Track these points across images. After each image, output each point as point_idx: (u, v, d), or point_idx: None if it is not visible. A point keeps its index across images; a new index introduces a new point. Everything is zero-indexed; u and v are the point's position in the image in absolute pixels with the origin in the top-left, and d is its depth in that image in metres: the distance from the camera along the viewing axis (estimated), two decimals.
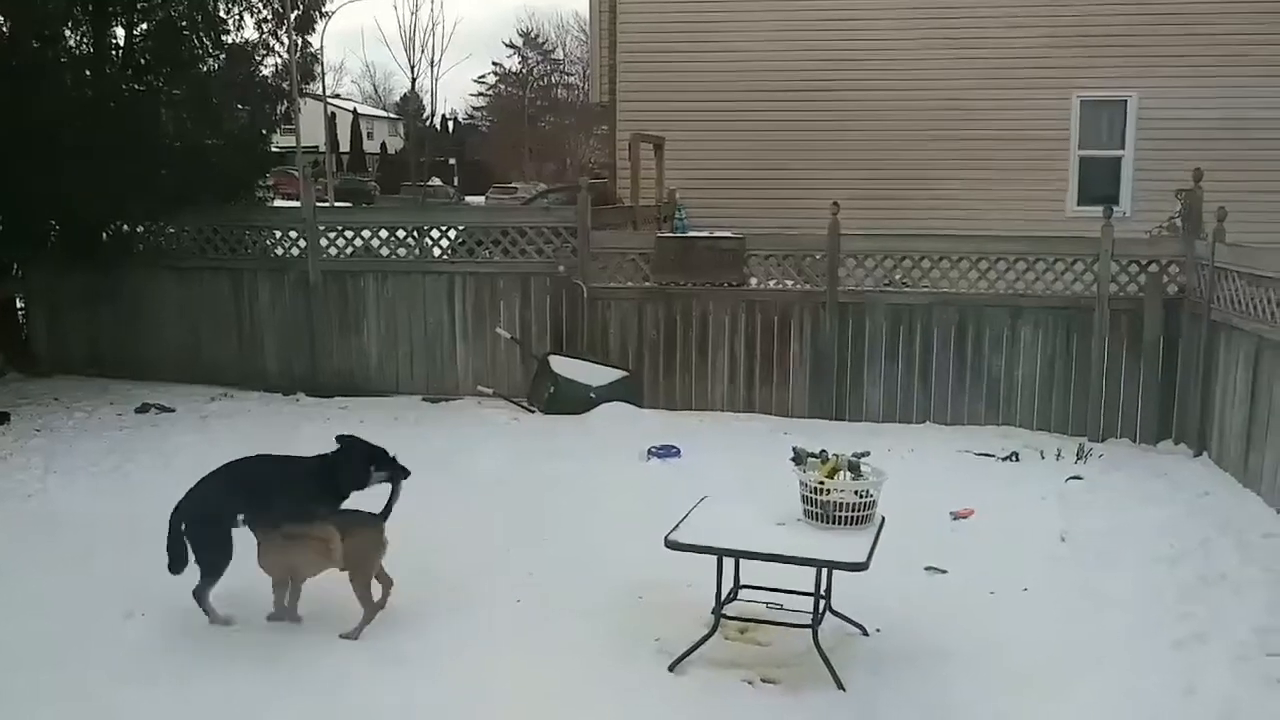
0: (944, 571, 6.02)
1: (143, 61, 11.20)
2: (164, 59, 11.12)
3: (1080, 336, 9.17)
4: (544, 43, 69.90)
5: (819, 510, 4.83)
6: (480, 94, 75.33)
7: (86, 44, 10.94)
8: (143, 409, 9.73)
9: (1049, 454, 8.52)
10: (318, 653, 4.92)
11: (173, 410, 9.72)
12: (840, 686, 4.62)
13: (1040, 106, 15.69)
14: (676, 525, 4.84)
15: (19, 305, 11.61)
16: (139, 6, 11.20)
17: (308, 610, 5.22)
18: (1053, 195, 15.75)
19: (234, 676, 4.69)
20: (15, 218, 10.49)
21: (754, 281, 9.92)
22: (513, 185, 48.99)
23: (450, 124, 75.67)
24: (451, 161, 64.53)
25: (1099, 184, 15.69)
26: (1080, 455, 8.46)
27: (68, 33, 10.68)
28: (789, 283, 9.89)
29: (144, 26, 11.30)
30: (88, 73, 10.94)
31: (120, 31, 11.20)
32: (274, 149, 13.92)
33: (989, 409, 9.40)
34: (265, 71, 12.38)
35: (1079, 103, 15.91)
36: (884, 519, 4.93)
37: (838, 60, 15.98)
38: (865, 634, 5.16)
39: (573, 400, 9.50)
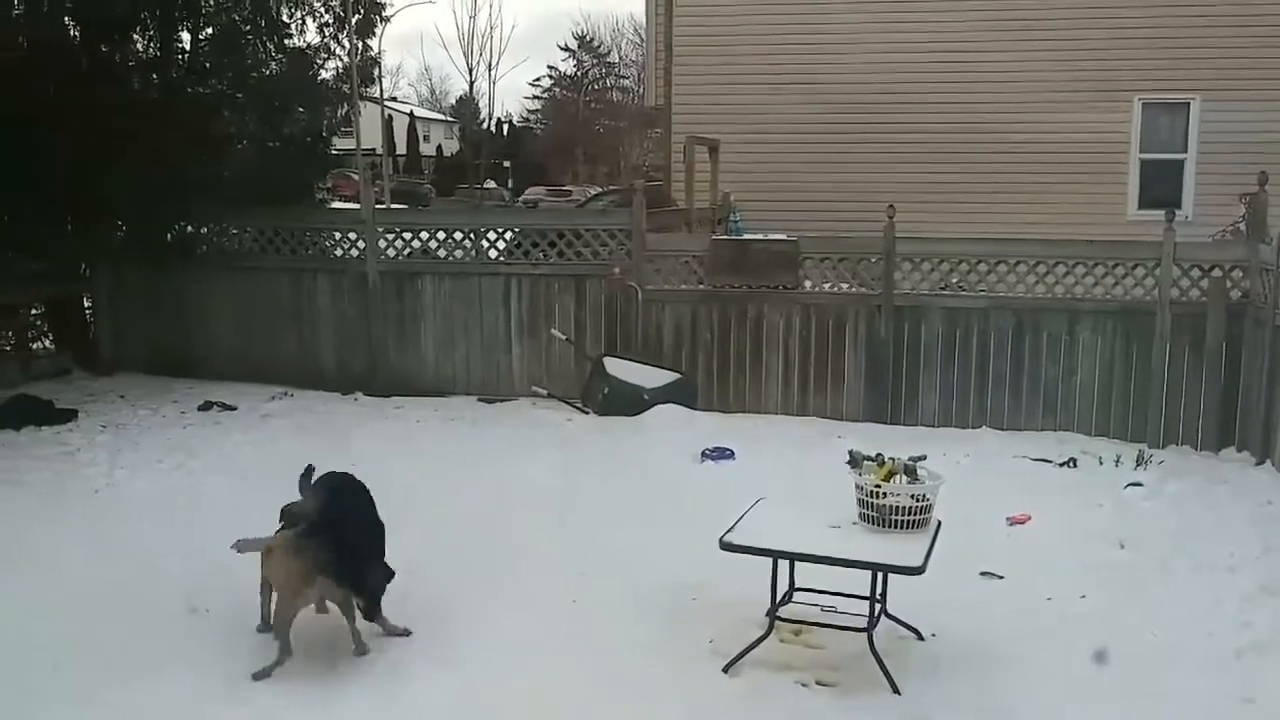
0: (1000, 577, 5.98)
1: (207, 65, 11.42)
2: (227, 63, 11.32)
3: (1140, 342, 9.05)
4: (599, 46, 70.05)
5: (875, 514, 4.83)
6: (535, 97, 75.68)
7: (153, 48, 11.18)
8: (205, 406, 9.91)
9: (1107, 460, 8.41)
10: (372, 653, 4.97)
11: (234, 408, 9.88)
12: (895, 690, 4.61)
13: (1102, 109, 15.54)
14: (731, 527, 4.86)
15: (86, 305, 11.86)
16: (204, 11, 11.42)
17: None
18: (1113, 199, 15.58)
19: (292, 676, 4.76)
20: (83, 219, 10.74)
21: (809, 284, 9.91)
22: (567, 188, 49.14)
23: (505, 127, 76.09)
24: (506, 164, 64.83)
25: (1160, 188, 15.50)
26: (1140, 462, 8.34)
27: (135, 37, 10.91)
28: (844, 286, 9.86)
29: (208, 31, 11.52)
30: (154, 76, 11.18)
31: (186, 36, 11.42)
32: (333, 151, 14.11)
33: (1046, 414, 9.30)
34: (325, 75, 12.59)
35: (1141, 106, 15.74)
36: (940, 523, 4.91)
37: (895, 62, 15.92)
38: (920, 638, 5.14)
39: (626, 402, 9.54)
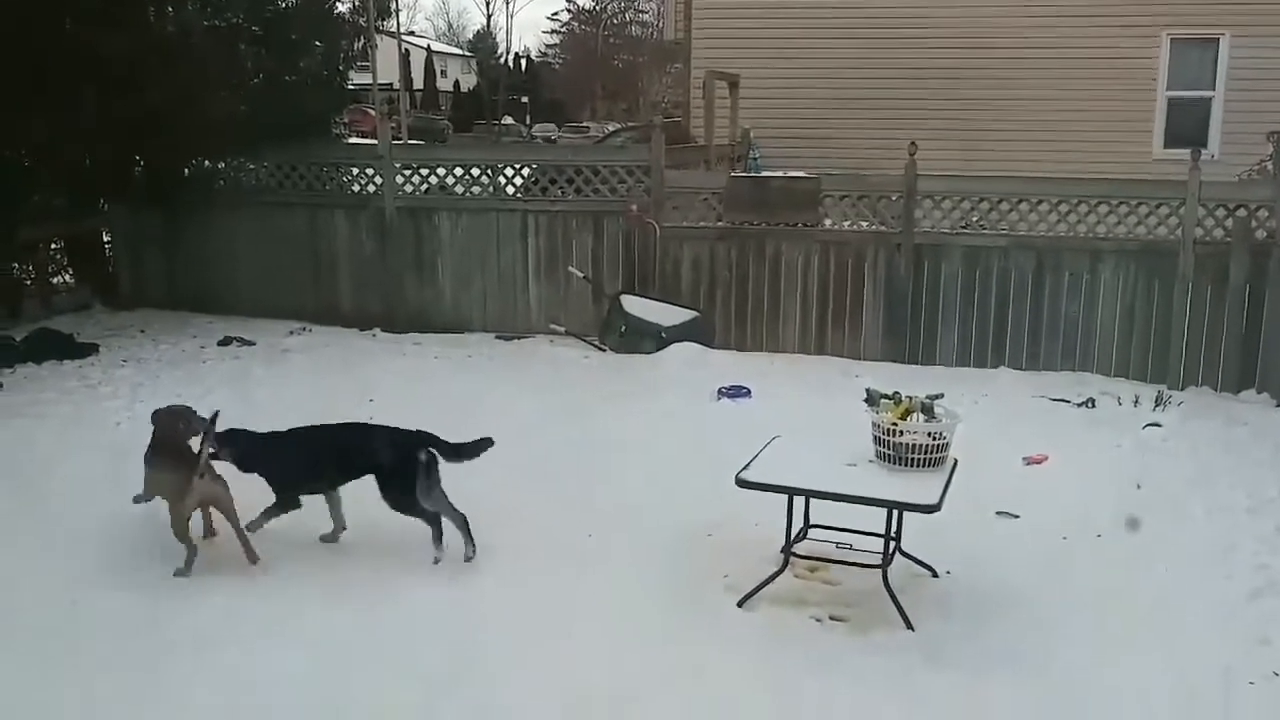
0: (1016, 516, 5.99)
1: None
2: None
3: (1162, 282, 8.97)
4: None
5: (891, 452, 4.82)
6: (553, 32, 74.96)
7: None
8: (224, 342, 9.95)
9: (1126, 401, 8.38)
10: (394, 588, 5.02)
11: (253, 343, 9.92)
12: (909, 626, 4.64)
13: (1128, 44, 15.30)
14: (747, 464, 4.86)
15: (105, 240, 11.88)
16: None
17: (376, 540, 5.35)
18: (1139, 137, 15.37)
19: (307, 607, 4.83)
20: (100, 154, 10.71)
21: (828, 223, 9.84)
22: (585, 124, 48.82)
23: (523, 62, 75.45)
24: (524, 100, 64.39)
25: (1187, 126, 15.29)
26: (1159, 402, 8.31)
27: None
28: (864, 224, 9.79)
29: None
30: (169, 9, 11.07)
31: None
32: (350, 86, 14.01)
33: (1065, 355, 9.26)
34: (341, 8, 12.48)
35: (1169, 41, 15.46)
36: (956, 462, 4.91)
37: None
38: (935, 576, 5.17)
39: (643, 339, 9.55)
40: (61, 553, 5.32)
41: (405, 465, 5.26)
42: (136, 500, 5.49)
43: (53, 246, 11.74)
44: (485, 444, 5.33)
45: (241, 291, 11.18)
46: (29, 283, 11.35)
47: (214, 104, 10.08)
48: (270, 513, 5.38)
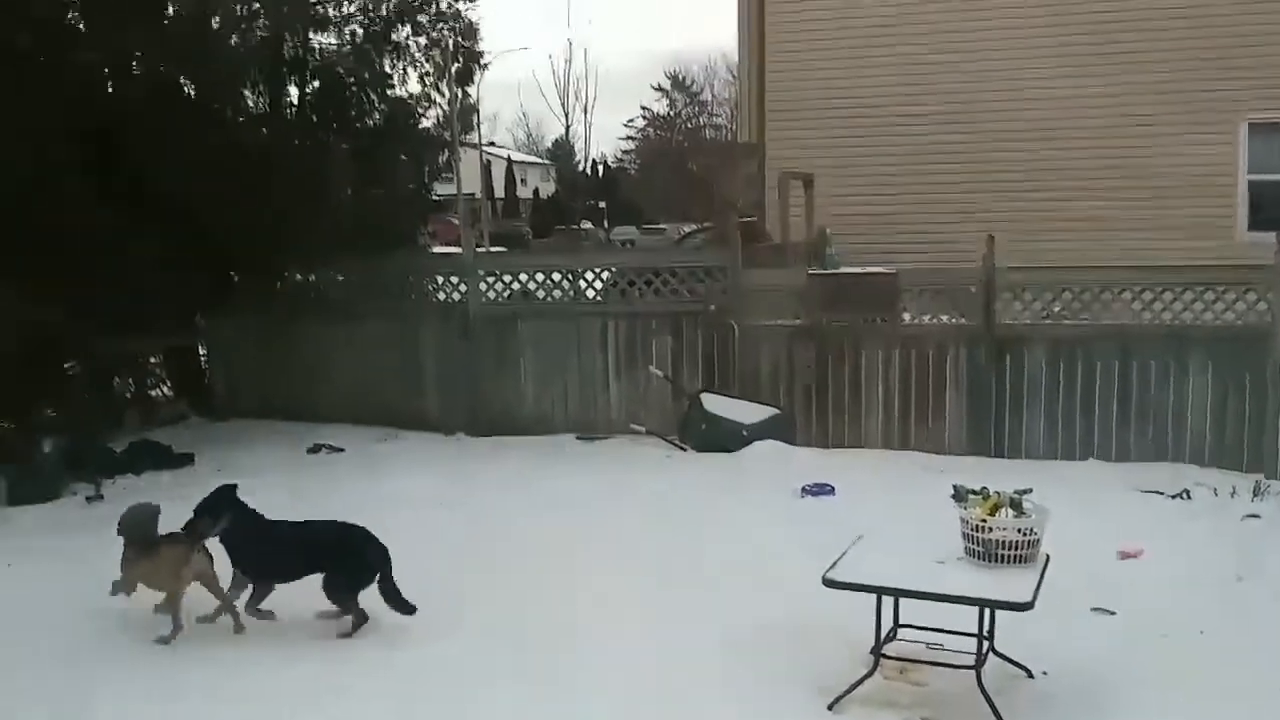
0: (1112, 613, 5.82)
1: (313, 117, 11.82)
2: (333, 114, 11.70)
3: (1254, 368, 8.76)
4: (691, 85, 70.48)
5: (981, 549, 4.76)
6: (629, 137, 76.41)
7: (262, 101, 11.61)
8: (314, 449, 10.17)
9: (1222, 491, 8.15)
10: (473, 682, 5.04)
11: (342, 450, 10.13)
12: None
13: (1206, 131, 15.15)
14: (834, 563, 4.83)
15: (201, 353, 12.29)
16: (310, 65, 11.82)
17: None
18: (1221, 221, 15.14)
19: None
20: (197, 268, 11.14)
21: (907, 317, 9.83)
22: (661, 225, 49.42)
23: (600, 168, 76.92)
24: (602, 204, 65.48)
25: (1271, 208, 15.02)
26: (1257, 493, 8.07)
27: (244, 91, 11.35)
28: (944, 317, 9.76)
29: (315, 84, 11.92)
30: (263, 129, 11.60)
31: (293, 89, 11.84)
32: (434, 197, 14.46)
33: (1157, 445, 9.05)
34: (426, 122, 12.93)
35: (1247, 127, 15.31)
36: (1048, 557, 4.82)
37: (991, 87, 15.78)
38: (1030, 676, 5.03)
39: (725, 438, 9.54)
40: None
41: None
42: (114, 592, 5.80)
43: (152, 360, 12.17)
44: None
45: (331, 400, 11.43)
46: (129, 395, 11.76)
47: (305, 217, 10.47)
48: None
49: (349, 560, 5.73)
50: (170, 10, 10.91)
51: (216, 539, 5.78)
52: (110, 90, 10.48)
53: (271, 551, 5.87)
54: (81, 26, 10.51)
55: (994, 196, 15.23)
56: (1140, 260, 11.03)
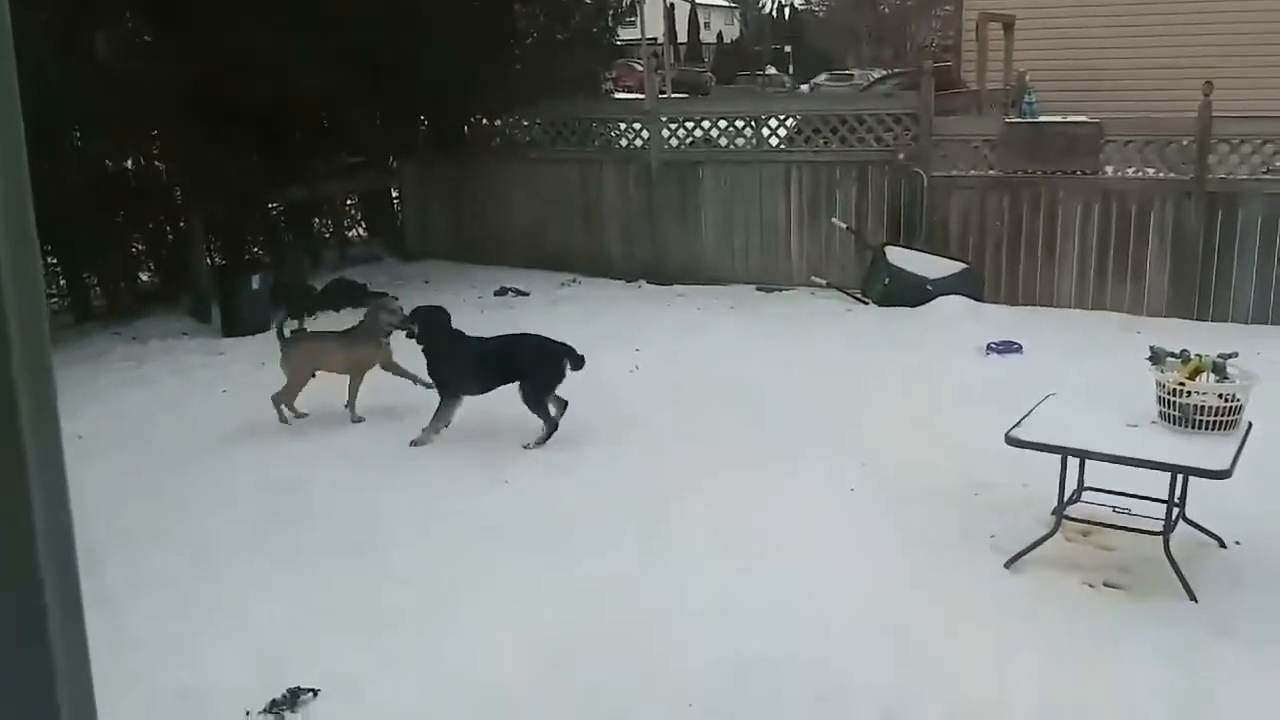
0: None
1: None
2: None
3: None
4: None
5: (1177, 413, 4.56)
6: None
7: None
8: (500, 292, 10.46)
9: None
10: (674, 537, 5.20)
11: (527, 294, 10.39)
12: (1192, 597, 4.39)
13: None
14: (1018, 422, 4.71)
15: (394, 196, 12.68)
16: None
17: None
18: None
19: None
20: (390, 115, 11.41)
21: (1110, 170, 9.29)
22: (849, 71, 47.80)
23: (786, 10, 74.50)
24: (787, 49, 63.62)
25: None
26: None
27: None
28: (1150, 170, 9.19)
29: None
30: None
31: None
32: (617, 42, 14.29)
33: None
34: None
35: None
36: (1251, 426, 4.59)
37: None
38: (1223, 546, 4.86)
39: (909, 292, 9.34)
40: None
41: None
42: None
43: (348, 202, 12.65)
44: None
45: (517, 244, 11.68)
46: (327, 236, 12.28)
47: (491, 63, 10.53)
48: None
49: (546, 366, 6.34)
50: None
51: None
52: None
53: (469, 365, 6.48)
54: None
55: (1211, 40, 14.10)
56: None
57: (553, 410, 6.35)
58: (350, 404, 6.87)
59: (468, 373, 6.49)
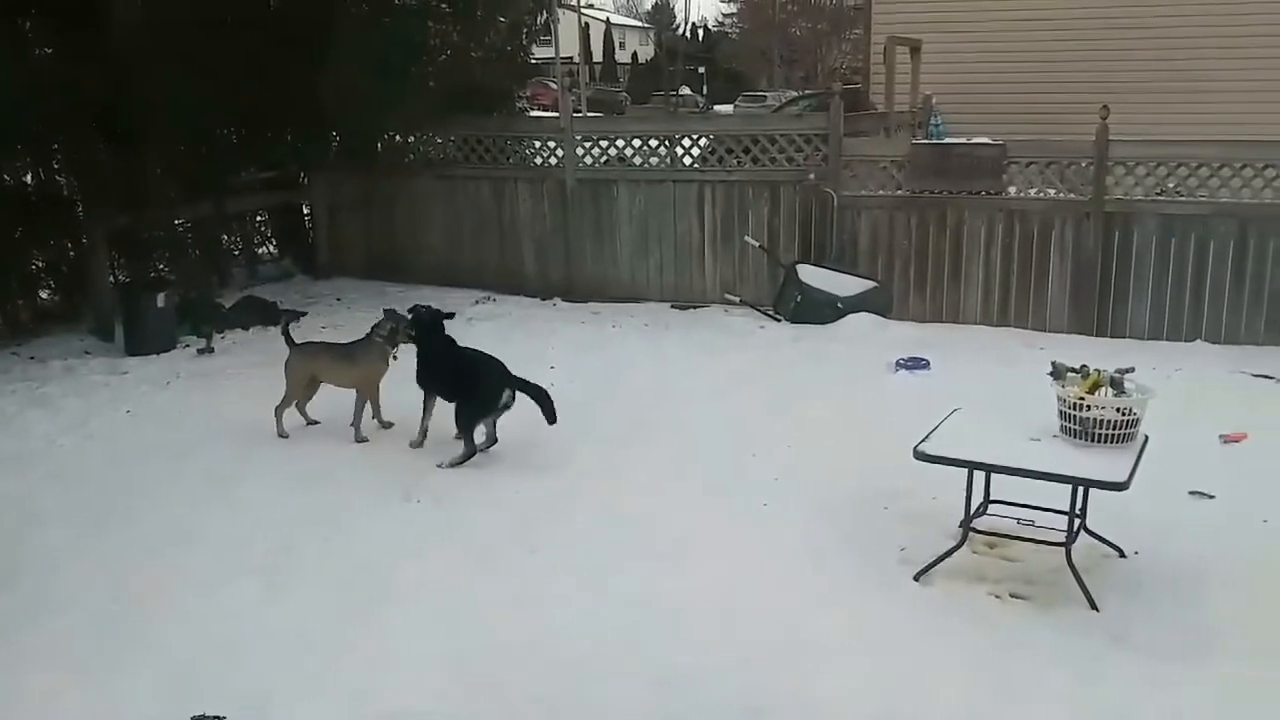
0: (1211, 497, 5.74)
1: None
2: None
3: None
4: None
5: (1077, 427, 4.70)
6: (731, 0, 74.44)
7: None
8: (412, 310, 10.32)
9: None
10: (585, 553, 5.20)
11: None
12: (1094, 606, 4.52)
13: None
14: (925, 436, 4.81)
15: (305, 213, 12.51)
16: None
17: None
18: None
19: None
20: (301, 130, 11.26)
21: (1013, 190, 9.55)
22: (761, 93, 48.43)
23: (700, 32, 75.24)
24: (701, 70, 64.23)
25: None
26: None
27: None
28: (1051, 192, 9.46)
29: None
30: None
31: None
32: (532, 60, 14.29)
33: (1269, 328, 8.77)
34: None
35: None
36: (1147, 439, 4.74)
37: None
38: (1122, 556, 5.01)
39: (820, 310, 9.49)
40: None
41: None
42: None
43: (258, 219, 12.44)
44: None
45: (431, 261, 11.61)
46: (236, 253, 12.06)
47: (403, 79, 10.46)
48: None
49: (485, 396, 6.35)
50: None
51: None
52: None
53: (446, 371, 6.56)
54: None
55: (1108, 65, 14.61)
56: (1264, 135, 10.49)
57: (480, 439, 6.35)
58: (355, 422, 6.77)
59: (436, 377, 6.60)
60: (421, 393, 6.62)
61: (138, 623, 4.52)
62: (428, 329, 6.72)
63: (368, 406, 6.80)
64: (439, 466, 6.22)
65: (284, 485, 6.02)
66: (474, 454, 6.28)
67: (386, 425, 6.89)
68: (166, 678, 4.09)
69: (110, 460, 6.48)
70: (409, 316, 6.82)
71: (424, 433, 6.59)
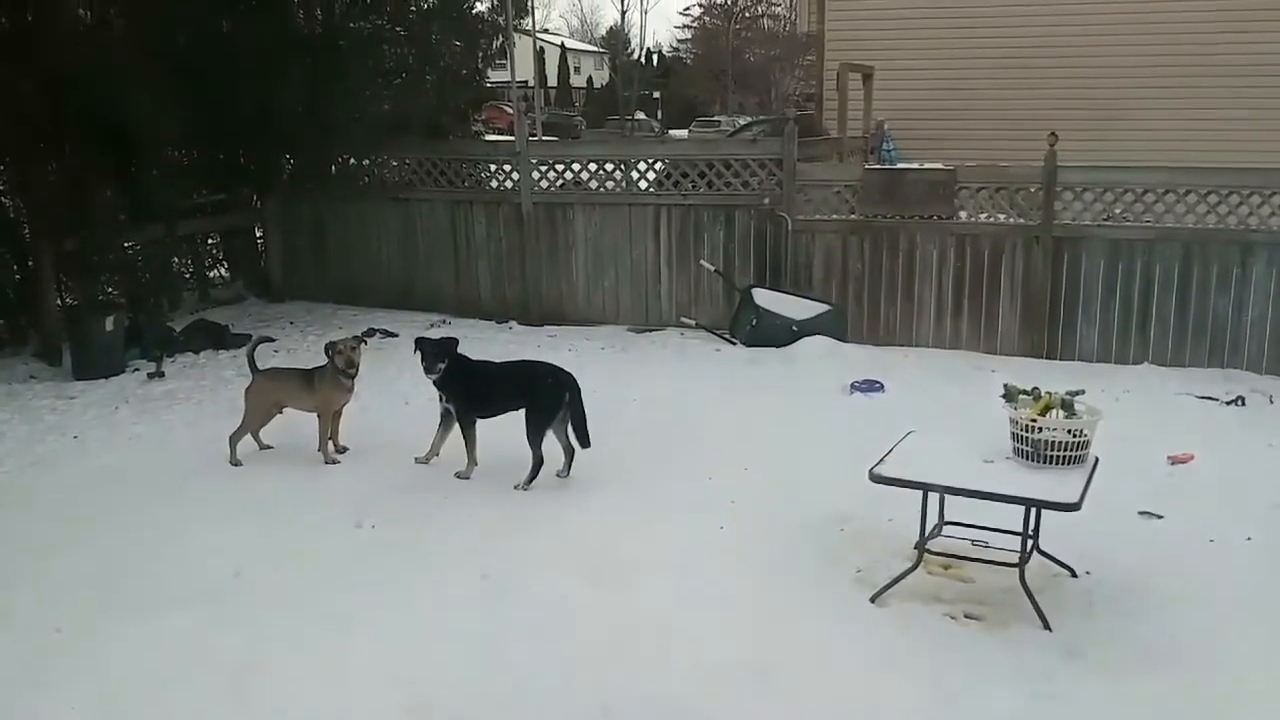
0: (1159, 517, 5.83)
1: (367, 1, 11.68)
2: None
3: None
4: None
5: (1030, 449, 4.75)
6: (685, 26, 74.96)
7: None
8: (369, 333, 10.28)
9: (1278, 399, 8.05)
10: (536, 577, 5.18)
11: (395, 335, 10.24)
12: (1046, 626, 4.57)
13: (1275, 36, 14.62)
14: (881, 459, 4.85)
15: (258, 235, 12.40)
16: None
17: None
18: None
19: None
20: (254, 153, 11.19)
21: (964, 215, 9.67)
22: (715, 118, 48.77)
23: (655, 57, 75.73)
24: (656, 95, 64.62)
25: None
26: None
27: None
28: (1001, 216, 9.59)
29: None
30: (317, 13, 11.50)
31: None
32: (488, 84, 14.32)
33: (1214, 351, 8.92)
34: (480, 7, 12.76)
35: None
36: (1098, 460, 4.81)
37: None
38: (1074, 575, 5.07)
39: (775, 333, 9.54)
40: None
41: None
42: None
43: (209, 241, 12.32)
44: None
45: (386, 284, 11.56)
46: (188, 276, 11.93)
47: (358, 102, 10.43)
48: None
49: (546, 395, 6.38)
50: None
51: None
52: None
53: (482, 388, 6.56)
54: None
55: (1057, 92, 14.88)
56: (1207, 163, 10.69)
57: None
58: (321, 446, 6.73)
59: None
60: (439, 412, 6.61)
61: (77, 650, 4.43)
62: (454, 359, 6.57)
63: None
64: (516, 488, 6.22)
65: (234, 512, 5.95)
66: (541, 464, 6.27)
67: (341, 450, 6.82)
68: (102, 702, 4.04)
69: (56, 487, 6.37)
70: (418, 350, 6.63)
71: (435, 451, 6.60)
